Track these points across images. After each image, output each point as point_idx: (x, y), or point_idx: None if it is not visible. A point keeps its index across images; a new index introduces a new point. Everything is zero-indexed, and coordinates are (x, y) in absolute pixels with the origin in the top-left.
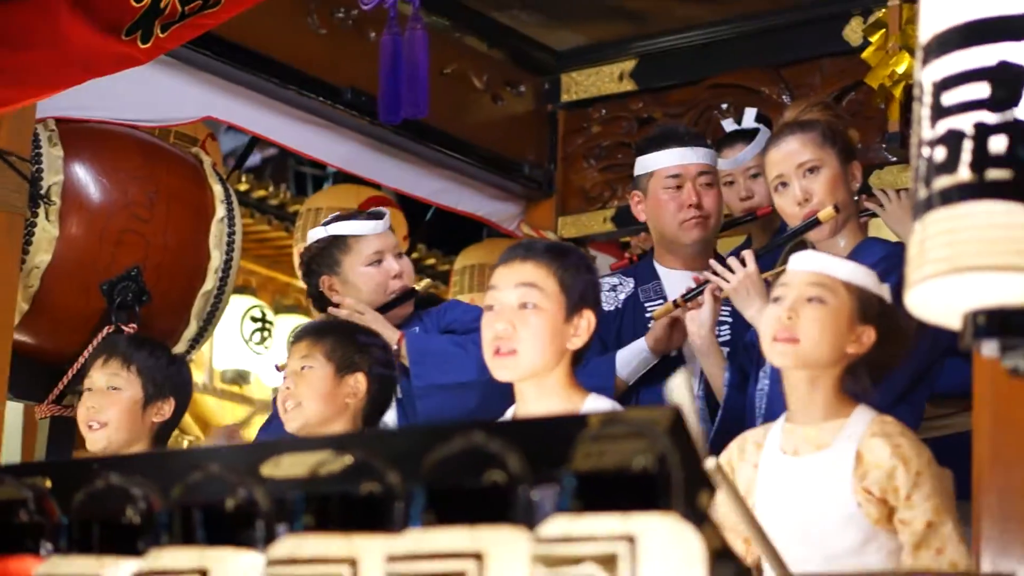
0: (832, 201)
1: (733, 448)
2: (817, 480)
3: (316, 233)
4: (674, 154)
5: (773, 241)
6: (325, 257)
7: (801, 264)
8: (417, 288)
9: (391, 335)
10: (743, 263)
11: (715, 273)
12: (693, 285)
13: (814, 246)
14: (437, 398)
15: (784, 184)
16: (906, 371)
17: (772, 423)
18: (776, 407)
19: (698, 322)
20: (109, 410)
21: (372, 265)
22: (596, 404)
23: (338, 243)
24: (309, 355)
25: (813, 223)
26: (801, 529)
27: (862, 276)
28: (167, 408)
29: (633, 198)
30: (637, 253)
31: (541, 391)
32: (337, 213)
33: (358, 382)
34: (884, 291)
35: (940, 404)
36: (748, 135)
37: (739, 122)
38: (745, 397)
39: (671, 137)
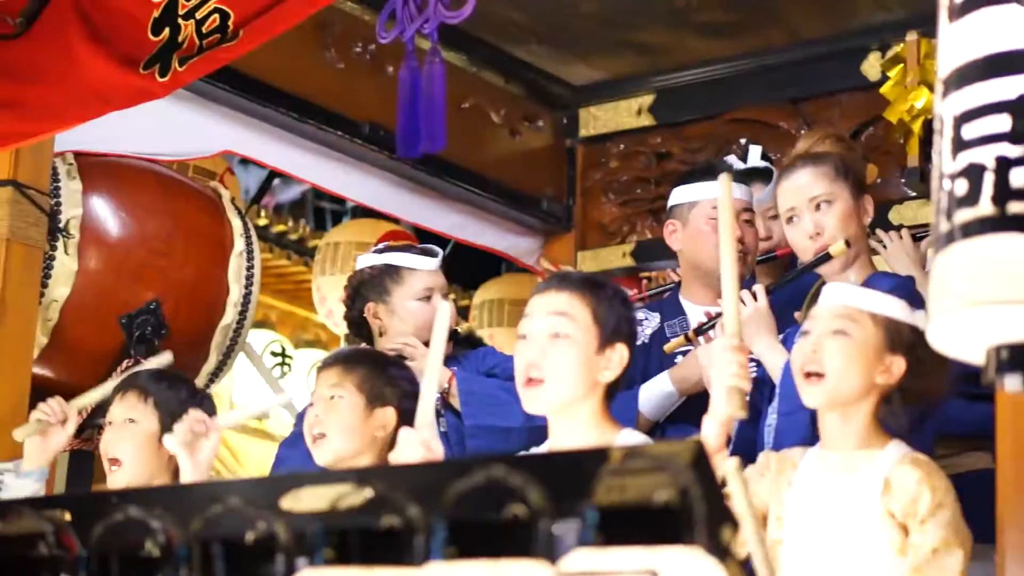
0: (844, 235)
1: (772, 460)
2: (844, 500)
3: (369, 259)
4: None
5: (784, 276)
6: (375, 285)
7: (827, 298)
8: (459, 331)
9: (443, 374)
10: (755, 297)
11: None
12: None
13: (823, 280)
14: (484, 439)
15: (796, 217)
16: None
17: (808, 447)
18: (785, 441)
19: (708, 356)
20: (126, 444)
21: (421, 300)
22: (630, 439)
23: (391, 273)
24: (339, 384)
25: (824, 258)
26: (824, 549)
27: (890, 306)
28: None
29: (668, 226)
30: (650, 289)
31: (573, 424)
32: (388, 244)
33: (387, 416)
34: (918, 319)
35: (943, 444)
36: (765, 174)
37: (744, 160)
38: (756, 431)
39: (718, 170)
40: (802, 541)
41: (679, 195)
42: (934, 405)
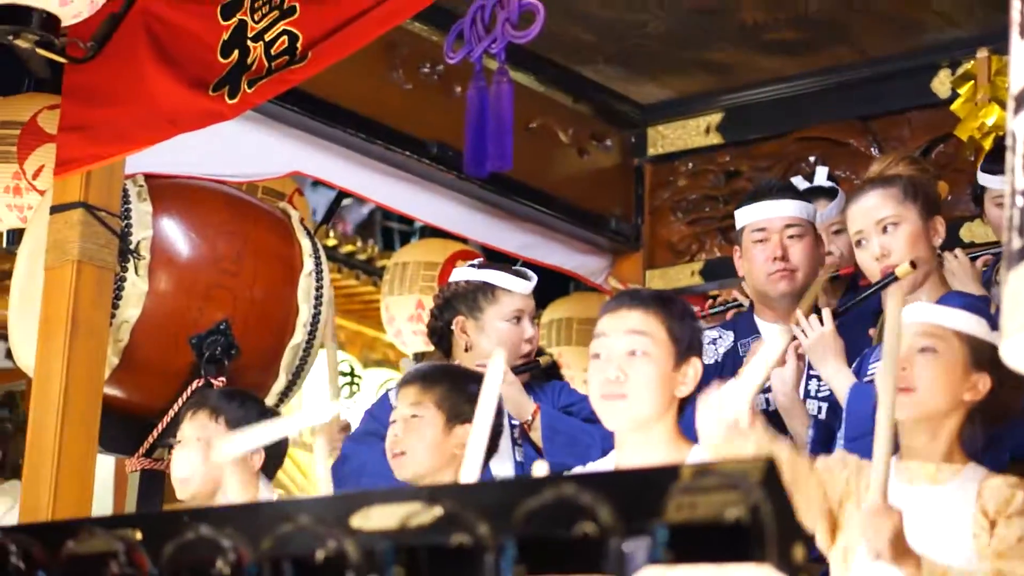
0: (911, 256)
1: (852, 460)
2: (935, 511)
3: (465, 274)
4: (761, 208)
5: (851, 298)
6: (468, 299)
7: (912, 315)
8: (541, 362)
9: (528, 405)
10: (822, 321)
11: (801, 330)
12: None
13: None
14: None
15: (864, 240)
16: None
17: None
18: None
19: (781, 379)
20: (196, 462)
21: (511, 322)
22: (701, 455)
23: (485, 290)
24: (419, 402)
25: (891, 279)
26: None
27: (974, 324)
28: (257, 460)
29: (735, 253)
30: (714, 308)
31: (648, 440)
32: (486, 260)
33: (467, 432)
34: (995, 337)
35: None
36: (830, 192)
37: (811, 180)
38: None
39: (761, 191)
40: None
41: (736, 221)
42: (1010, 423)
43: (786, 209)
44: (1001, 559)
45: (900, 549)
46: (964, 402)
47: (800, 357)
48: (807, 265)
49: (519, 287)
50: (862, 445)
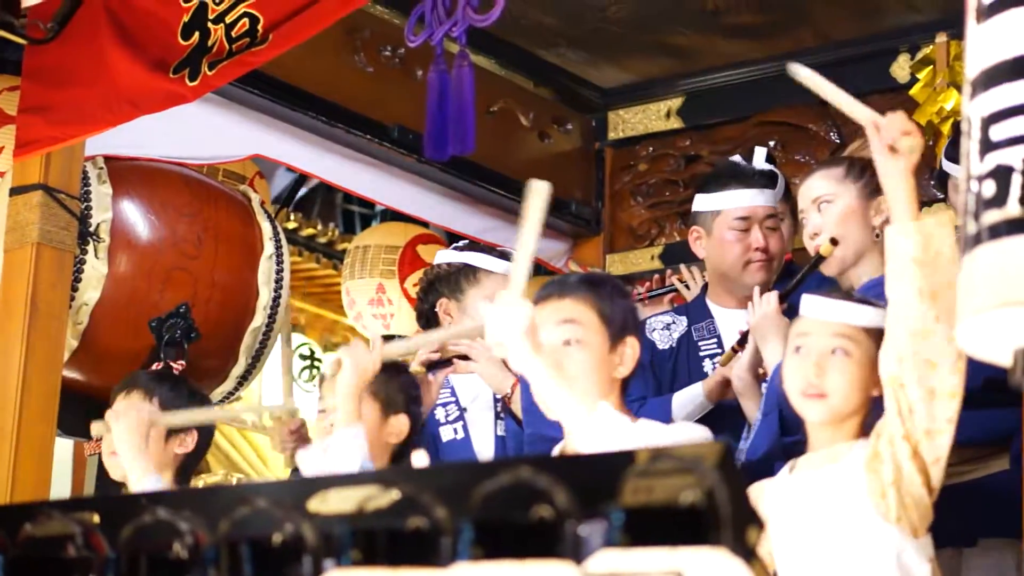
0: (839, 234)
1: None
2: (833, 485)
3: (448, 256)
4: (744, 195)
5: (788, 281)
6: (451, 281)
7: (821, 313)
8: None
9: (507, 379)
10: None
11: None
12: (744, 327)
13: (836, 280)
14: (541, 447)
15: (804, 219)
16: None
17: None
18: (757, 439)
19: (743, 366)
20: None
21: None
22: (647, 429)
23: (468, 272)
24: None
25: (818, 259)
26: (813, 545)
27: (877, 318)
28: (190, 440)
29: (692, 233)
30: (652, 290)
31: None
32: (470, 241)
33: (400, 422)
34: None
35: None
36: (770, 177)
37: (749, 161)
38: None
39: (740, 177)
40: (788, 543)
41: (702, 202)
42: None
43: (769, 199)
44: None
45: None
46: (872, 397)
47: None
48: (780, 254)
49: (501, 268)
50: (771, 420)
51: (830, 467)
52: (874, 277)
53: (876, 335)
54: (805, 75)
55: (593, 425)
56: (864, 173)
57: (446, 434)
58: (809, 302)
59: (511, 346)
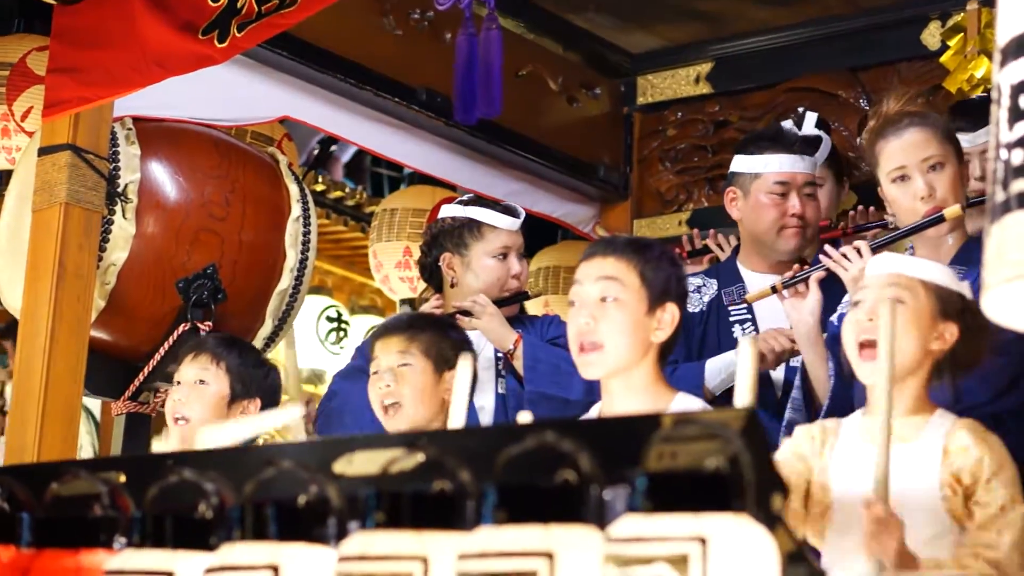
0: (955, 200)
1: (802, 437)
2: (902, 470)
3: (452, 210)
4: (784, 160)
5: (890, 234)
6: (455, 236)
7: (879, 267)
8: (529, 293)
9: (509, 335)
10: (859, 252)
11: (831, 259)
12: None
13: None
14: (543, 407)
15: (905, 177)
16: (1005, 367)
17: (843, 418)
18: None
19: (807, 309)
20: (195, 404)
21: (496, 258)
22: (685, 403)
23: (471, 227)
24: (406, 351)
25: (938, 219)
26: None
27: (939, 274)
28: (252, 408)
29: (728, 195)
30: (692, 250)
31: (628, 387)
32: (475, 195)
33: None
34: (964, 288)
35: None
36: (812, 143)
37: (800, 127)
38: (851, 387)
39: (782, 141)
40: (851, 507)
41: (741, 164)
42: (972, 372)
43: (809, 166)
44: (984, 531)
45: (904, 560)
46: (931, 352)
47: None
48: (816, 222)
49: (505, 223)
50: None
51: (901, 446)
52: (963, 243)
53: (934, 289)
54: None
55: None
56: (952, 136)
57: None
58: (873, 262)
59: None
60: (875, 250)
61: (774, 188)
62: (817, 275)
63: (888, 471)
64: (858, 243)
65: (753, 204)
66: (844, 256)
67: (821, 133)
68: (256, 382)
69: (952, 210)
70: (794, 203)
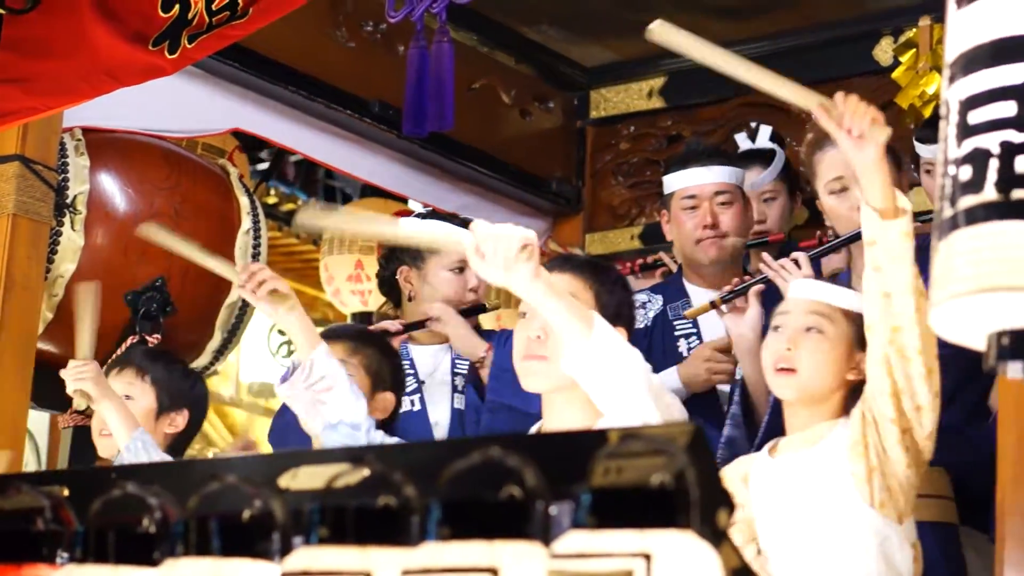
0: None
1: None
2: (812, 470)
3: (410, 223)
4: (691, 174)
5: (826, 244)
6: (411, 249)
7: (800, 292)
8: (487, 306)
9: (480, 344)
10: (797, 264)
11: (771, 270)
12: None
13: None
14: (504, 417)
15: (843, 188)
16: (944, 383)
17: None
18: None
19: (747, 324)
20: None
21: (453, 271)
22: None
23: None
24: (346, 360)
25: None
26: (797, 529)
27: (859, 303)
28: (180, 420)
29: (662, 217)
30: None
31: (569, 403)
32: (433, 209)
33: (387, 399)
34: None
35: None
36: (765, 157)
37: (753, 139)
38: None
39: (690, 156)
40: (775, 526)
41: (665, 185)
42: None
43: (715, 176)
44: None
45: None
46: (847, 382)
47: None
48: (737, 231)
49: None
50: None
51: (809, 450)
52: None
53: (855, 318)
54: (667, 35)
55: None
56: (890, 148)
57: (403, 405)
58: (794, 285)
59: (511, 268)
60: (814, 260)
61: (684, 203)
62: (756, 288)
63: None
64: (796, 254)
65: (674, 221)
66: (783, 267)
67: (775, 147)
68: (183, 393)
69: None
70: (703, 214)
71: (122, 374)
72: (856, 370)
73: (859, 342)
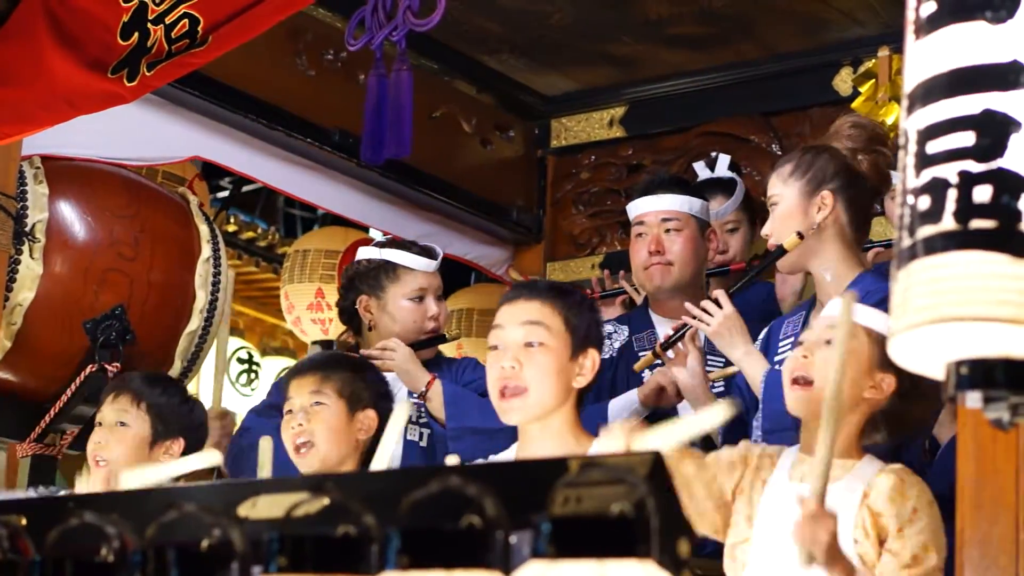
0: (788, 231)
1: (754, 456)
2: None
3: (368, 252)
4: (642, 202)
5: (742, 278)
6: (371, 278)
7: (829, 309)
8: (447, 336)
9: (422, 377)
10: (718, 304)
11: (693, 317)
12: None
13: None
14: (469, 441)
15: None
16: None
17: (787, 447)
18: None
19: (689, 372)
20: (116, 446)
21: (413, 300)
22: (604, 448)
23: (387, 269)
24: (319, 391)
25: (779, 251)
26: (791, 553)
27: (885, 322)
28: (176, 448)
29: (628, 245)
30: (603, 292)
31: (546, 432)
32: (392, 237)
33: (368, 417)
34: None
35: None
36: (727, 187)
37: (712, 168)
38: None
39: (645, 185)
40: (771, 543)
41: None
42: (914, 435)
43: (663, 203)
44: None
45: (833, 555)
46: (865, 400)
47: (695, 344)
48: (684, 259)
49: (420, 265)
50: (779, 439)
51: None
52: (853, 278)
53: (878, 339)
54: None
55: None
56: (810, 167)
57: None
58: (831, 303)
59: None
60: (732, 295)
61: (636, 230)
62: (689, 334)
63: (828, 471)
64: (716, 292)
65: (630, 251)
66: (704, 310)
67: (734, 176)
68: (179, 421)
69: (791, 240)
70: (649, 240)
71: (117, 400)
72: (875, 388)
73: (880, 361)
